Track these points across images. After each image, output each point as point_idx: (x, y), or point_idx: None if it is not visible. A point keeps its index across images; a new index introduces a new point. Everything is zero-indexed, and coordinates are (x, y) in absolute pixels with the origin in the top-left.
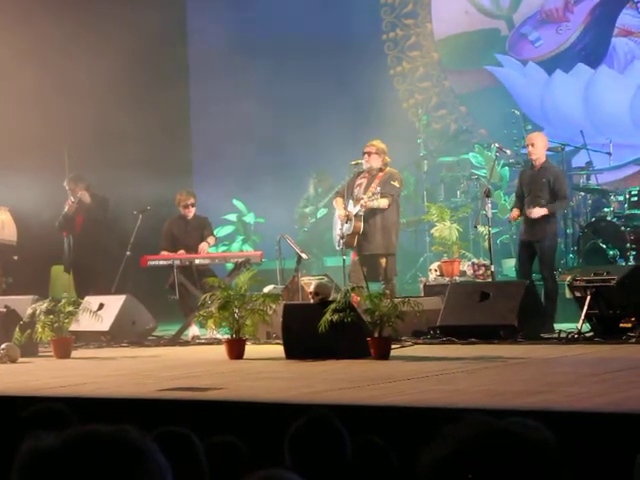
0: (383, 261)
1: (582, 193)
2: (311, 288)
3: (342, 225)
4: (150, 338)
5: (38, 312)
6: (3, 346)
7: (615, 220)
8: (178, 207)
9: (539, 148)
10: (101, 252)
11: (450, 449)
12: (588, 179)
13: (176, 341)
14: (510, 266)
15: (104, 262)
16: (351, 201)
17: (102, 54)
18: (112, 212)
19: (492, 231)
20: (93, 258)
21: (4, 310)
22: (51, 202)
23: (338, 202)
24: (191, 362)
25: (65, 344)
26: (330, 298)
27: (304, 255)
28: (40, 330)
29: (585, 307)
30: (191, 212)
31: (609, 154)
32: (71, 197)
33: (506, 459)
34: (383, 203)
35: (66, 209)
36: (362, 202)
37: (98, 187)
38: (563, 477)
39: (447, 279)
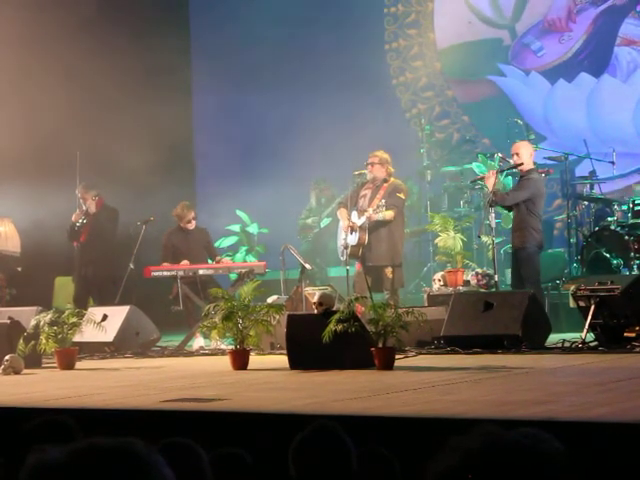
0: (389, 272)
1: (585, 202)
2: (315, 298)
3: (346, 235)
4: (154, 349)
5: (42, 323)
6: (7, 357)
7: (619, 229)
8: (179, 222)
9: (523, 156)
10: (106, 263)
11: (458, 460)
12: (592, 188)
13: (180, 352)
14: None
15: (107, 273)
16: (355, 212)
17: (108, 68)
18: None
19: (496, 241)
20: (95, 268)
21: (8, 321)
22: (54, 213)
23: (342, 213)
24: (195, 373)
25: (69, 355)
26: (334, 308)
27: (308, 265)
28: (44, 341)
29: (589, 316)
30: (192, 225)
31: (612, 163)
32: (83, 205)
33: (514, 471)
34: (389, 215)
35: (73, 218)
36: (367, 215)
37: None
38: None
39: (451, 289)
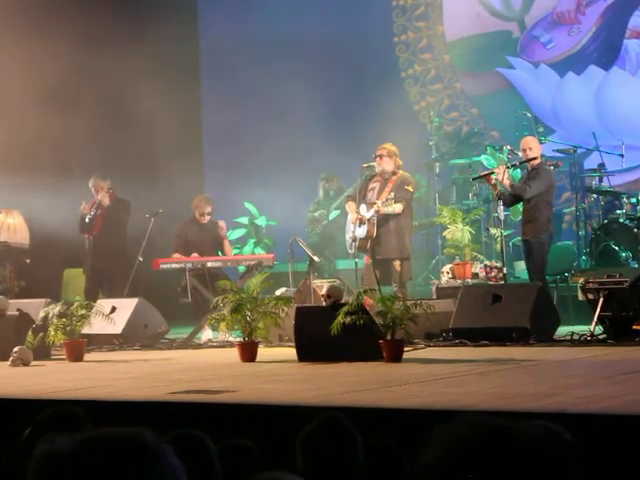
0: (397, 265)
1: (594, 195)
2: (323, 291)
3: (355, 228)
4: (162, 341)
5: (51, 315)
6: (16, 349)
7: (627, 222)
8: (194, 212)
9: (535, 150)
10: (117, 255)
11: (445, 449)
12: (600, 181)
13: (188, 344)
14: (522, 268)
15: (119, 265)
16: (363, 205)
17: (116, 63)
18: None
19: (504, 233)
20: (108, 261)
21: (17, 313)
22: (63, 205)
23: (350, 205)
24: (203, 365)
25: (77, 347)
26: (342, 301)
27: (316, 258)
28: (53, 333)
29: (598, 309)
30: (206, 219)
31: (621, 156)
32: (95, 196)
33: (522, 466)
34: (397, 208)
35: (83, 210)
36: (376, 208)
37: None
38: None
39: (459, 281)
